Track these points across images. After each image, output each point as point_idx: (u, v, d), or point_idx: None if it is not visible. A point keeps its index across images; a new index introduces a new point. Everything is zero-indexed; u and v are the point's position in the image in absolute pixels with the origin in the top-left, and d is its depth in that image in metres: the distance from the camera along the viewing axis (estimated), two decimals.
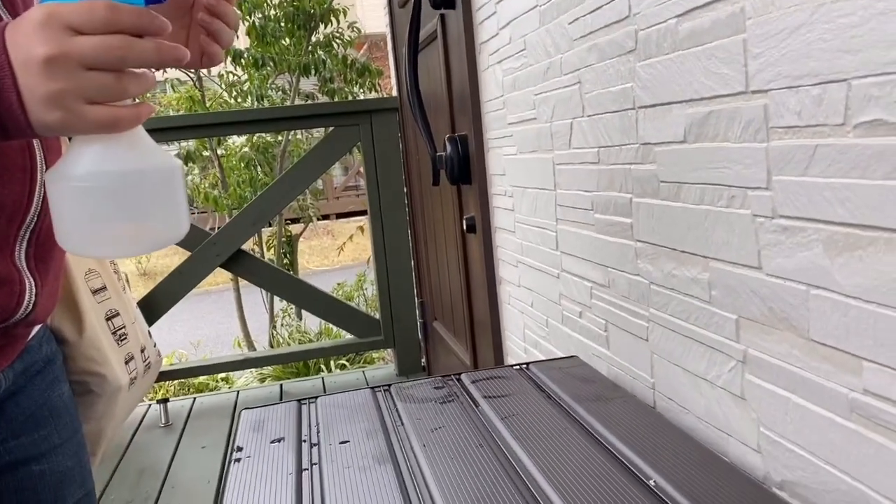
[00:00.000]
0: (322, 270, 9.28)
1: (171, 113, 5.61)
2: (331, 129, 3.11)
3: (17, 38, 0.51)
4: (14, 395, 0.76)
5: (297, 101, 5.36)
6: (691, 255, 0.97)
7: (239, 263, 3.07)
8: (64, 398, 0.84)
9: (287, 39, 5.18)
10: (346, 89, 5.44)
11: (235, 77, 5.44)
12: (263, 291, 4.98)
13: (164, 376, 3.01)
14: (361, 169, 3.34)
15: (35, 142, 0.68)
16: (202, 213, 7.64)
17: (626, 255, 1.16)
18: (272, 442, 1.05)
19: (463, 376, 1.25)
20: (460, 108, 1.99)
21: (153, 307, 2.92)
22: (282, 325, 5.30)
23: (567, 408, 1.08)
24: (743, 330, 0.88)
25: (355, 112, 3.03)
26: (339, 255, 7.35)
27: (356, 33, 5.60)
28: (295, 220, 6.35)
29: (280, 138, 5.38)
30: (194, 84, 5.43)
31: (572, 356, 1.36)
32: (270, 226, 5.55)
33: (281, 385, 3.32)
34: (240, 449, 1.04)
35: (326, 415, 1.13)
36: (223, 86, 5.51)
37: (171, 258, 8.21)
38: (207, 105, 5.33)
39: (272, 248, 5.67)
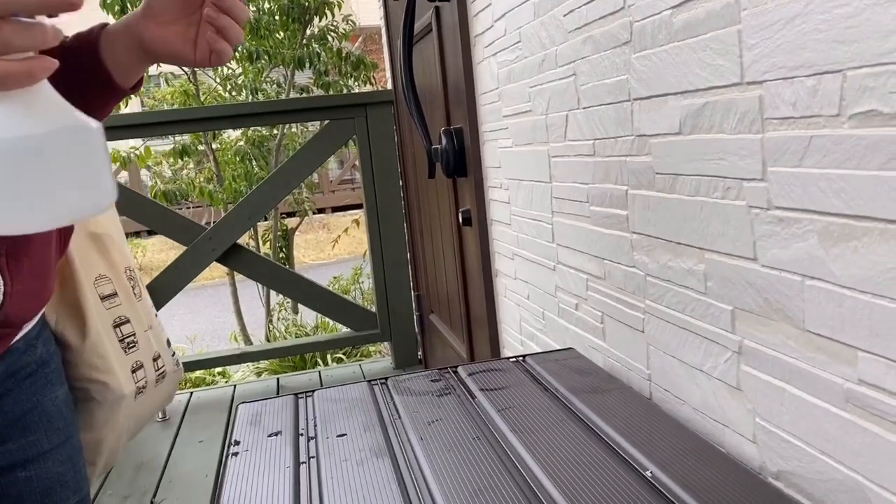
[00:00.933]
0: (318, 264, 9.28)
1: (166, 107, 5.59)
2: (326, 122, 3.10)
3: None
4: None
5: (292, 95, 5.35)
6: (687, 246, 0.97)
7: (235, 258, 3.06)
8: (58, 402, 0.80)
9: (281, 32, 5.17)
10: (341, 82, 5.42)
11: (230, 71, 5.42)
12: (260, 286, 4.97)
13: None
14: (357, 162, 3.33)
15: None
16: (197, 207, 7.63)
17: (622, 247, 1.16)
18: (269, 436, 1.05)
19: (459, 369, 1.26)
20: (455, 100, 1.99)
21: None
22: (278, 319, 5.29)
23: (563, 399, 1.09)
24: (738, 321, 0.88)
25: (350, 105, 3.02)
26: (333, 248, 7.34)
27: (351, 26, 5.59)
28: (290, 214, 6.34)
29: (275, 132, 5.36)
30: (189, 78, 5.40)
31: (568, 348, 1.36)
32: (266, 220, 5.55)
33: (278, 379, 3.32)
34: (237, 443, 1.04)
35: (323, 408, 1.14)
36: (217, 80, 5.49)
37: (167, 253, 8.19)
38: (202, 99, 5.31)
39: (268, 242, 5.66)
